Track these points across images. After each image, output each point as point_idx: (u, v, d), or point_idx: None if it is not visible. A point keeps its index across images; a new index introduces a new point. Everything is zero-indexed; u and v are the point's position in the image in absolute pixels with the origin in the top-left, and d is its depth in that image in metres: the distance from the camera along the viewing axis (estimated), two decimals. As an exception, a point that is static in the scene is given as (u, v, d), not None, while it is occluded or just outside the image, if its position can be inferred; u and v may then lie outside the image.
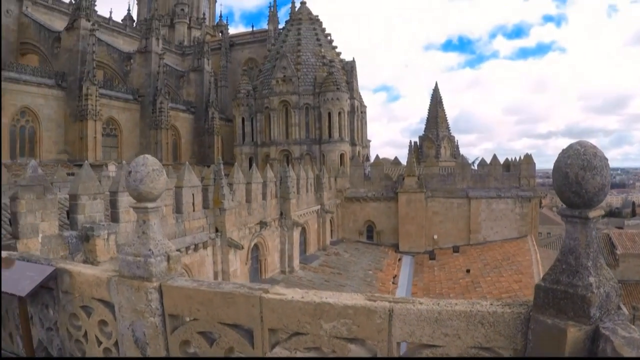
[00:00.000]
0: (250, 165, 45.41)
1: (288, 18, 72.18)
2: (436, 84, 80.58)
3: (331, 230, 50.81)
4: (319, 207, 46.36)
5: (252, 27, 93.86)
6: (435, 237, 50.63)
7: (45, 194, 16.54)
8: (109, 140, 60.22)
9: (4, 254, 7.57)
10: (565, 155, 4.04)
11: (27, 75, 51.35)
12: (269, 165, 41.93)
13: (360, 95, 68.57)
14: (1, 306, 7.74)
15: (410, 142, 64.71)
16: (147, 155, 5.20)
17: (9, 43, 62.13)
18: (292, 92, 60.94)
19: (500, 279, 36.59)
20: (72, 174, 40.32)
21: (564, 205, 4.22)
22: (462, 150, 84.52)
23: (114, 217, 19.67)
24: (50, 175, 28.76)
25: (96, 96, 54.34)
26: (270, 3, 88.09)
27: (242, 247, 29.36)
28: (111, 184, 20.62)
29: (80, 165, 45.11)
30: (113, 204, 19.74)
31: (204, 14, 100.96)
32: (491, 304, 4.38)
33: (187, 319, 5.45)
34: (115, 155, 60.35)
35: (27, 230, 15.98)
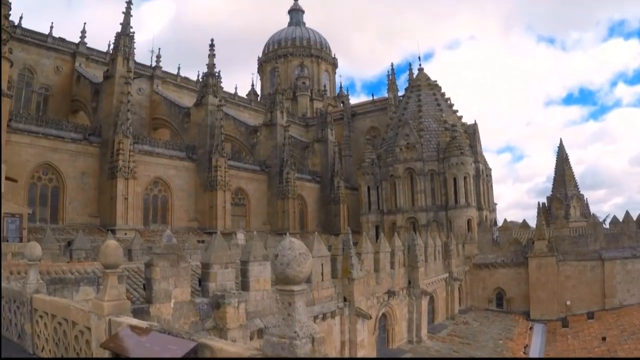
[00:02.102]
0: (377, 234, 45.29)
1: (407, 85, 72.97)
2: (560, 141, 78.98)
3: (459, 298, 49.62)
4: (447, 274, 45.48)
5: (373, 96, 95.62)
6: (568, 303, 48.22)
7: (178, 262, 17.10)
8: (237, 209, 62.01)
9: (146, 324, 7.67)
10: None
11: (159, 148, 54.58)
12: (396, 234, 41.61)
13: (484, 158, 67.56)
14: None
15: (539, 203, 62.94)
16: (293, 239, 5.13)
17: (142, 118, 66.21)
18: (417, 158, 60.92)
19: (639, 346, 34.14)
20: (202, 241, 41.63)
21: None
22: (592, 208, 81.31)
23: (244, 286, 19.91)
24: (181, 242, 29.69)
25: (225, 167, 56.58)
26: (388, 71, 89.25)
27: (370, 317, 28.92)
28: (242, 254, 20.92)
29: (210, 233, 46.83)
30: (244, 273, 20.01)
31: (324, 86, 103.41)
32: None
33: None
34: (243, 223, 62.03)
35: (160, 295, 16.49)
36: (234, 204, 60.28)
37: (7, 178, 19.58)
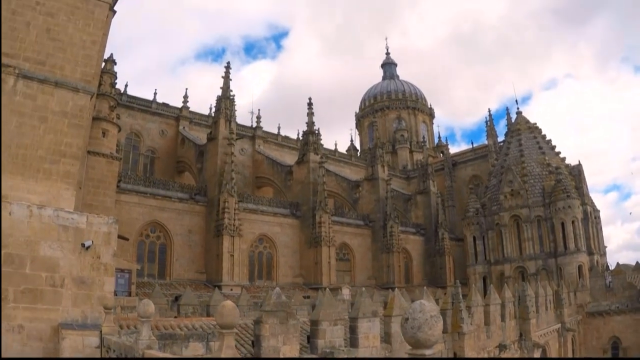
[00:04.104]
0: (485, 285, 44.24)
1: (506, 130, 72.04)
2: (669, 175, 75.34)
3: (573, 350, 47.58)
4: (559, 325, 43.82)
5: (472, 143, 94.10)
6: (691, 351, 45.62)
7: (288, 319, 17.26)
8: (342, 265, 62.01)
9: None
10: None
11: (263, 206, 55.83)
12: (506, 284, 40.64)
13: (591, 200, 65.47)
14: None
15: (650, 243, 60.10)
16: (424, 302, 5.05)
17: (245, 177, 68.14)
18: (522, 205, 59.74)
19: None
20: (308, 297, 41.82)
21: None
22: None
23: (353, 343, 19.79)
24: (287, 298, 29.99)
25: (329, 223, 57.07)
26: (486, 118, 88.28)
27: (482, 372, 28.10)
28: (351, 310, 20.84)
29: (315, 289, 46.95)
30: (352, 330, 19.89)
31: (423, 137, 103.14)
32: None
33: None
34: (348, 278, 61.90)
35: (269, 352, 16.62)
36: (338, 259, 60.36)
37: (119, 237, 20.66)
